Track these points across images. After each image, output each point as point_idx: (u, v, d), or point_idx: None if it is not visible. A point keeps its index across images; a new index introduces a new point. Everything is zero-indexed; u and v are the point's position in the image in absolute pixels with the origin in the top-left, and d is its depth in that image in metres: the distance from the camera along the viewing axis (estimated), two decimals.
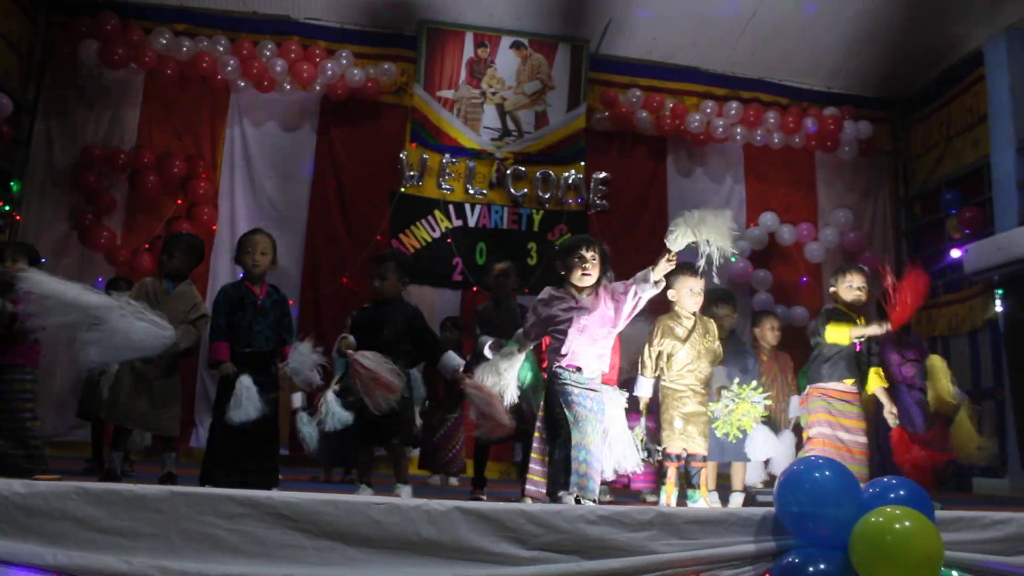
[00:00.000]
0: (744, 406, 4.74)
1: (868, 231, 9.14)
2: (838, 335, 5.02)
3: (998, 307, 7.96)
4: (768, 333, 6.24)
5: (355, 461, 5.62)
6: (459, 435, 6.55)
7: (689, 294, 4.83)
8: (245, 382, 4.37)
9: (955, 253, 8.28)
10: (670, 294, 4.85)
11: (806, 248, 8.77)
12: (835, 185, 9.27)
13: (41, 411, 4.93)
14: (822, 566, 3.18)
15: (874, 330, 4.96)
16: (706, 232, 3.96)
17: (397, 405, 4.57)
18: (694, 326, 4.84)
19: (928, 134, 9.19)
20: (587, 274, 4.06)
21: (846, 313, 5.10)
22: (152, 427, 4.67)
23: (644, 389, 4.81)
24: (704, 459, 4.77)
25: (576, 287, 4.11)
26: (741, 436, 4.93)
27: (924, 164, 9.25)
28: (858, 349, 5.07)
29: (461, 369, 4.60)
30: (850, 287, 5.13)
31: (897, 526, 3.10)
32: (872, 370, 5.14)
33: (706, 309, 5.44)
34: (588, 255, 4.07)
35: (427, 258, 8.14)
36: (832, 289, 5.26)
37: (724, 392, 4.86)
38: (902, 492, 3.36)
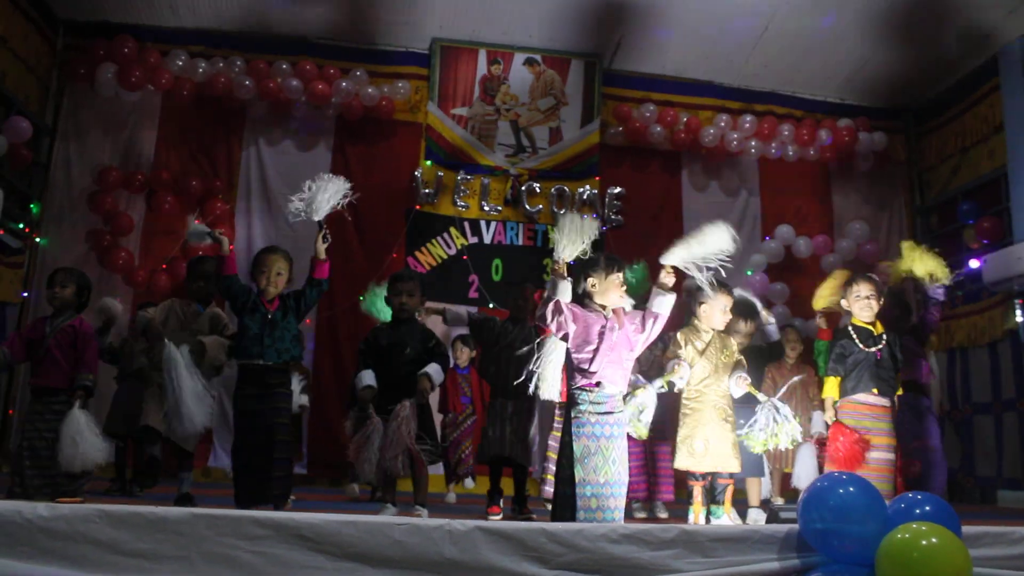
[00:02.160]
0: (786, 427, 4.64)
1: (885, 242, 9.08)
2: (827, 389, 5.06)
3: (1018, 317, 7.89)
4: (788, 347, 6.22)
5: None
6: (468, 441, 6.54)
7: (721, 311, 4.83)
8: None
9: (974, 264, 8.21)
10: (702, 309, 4.84)
11: (823, 260, 8.72)
12: (850, 196, 9.24)
13: None
14: None
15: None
16: (700, 253, 4.05)
17: (419, 424, 4.60)
18: (711, 340, 4.83)
19: (943, 144, 9.15)
20: (624, 296, 4.08)
21: (851, 338, 5.05)
22: (186, 443, 4.72)
23: (686, 375, 4.70)
24: (731, 476, 4.74)
25: (600, 305, 4.10)
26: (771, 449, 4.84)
27: (940, 174, 9.20)
28: (878, 357, 5.00)
29: (429, 375, 4.67)
30: (858, 296, 5.08)
31: (924, 542, 3.07)
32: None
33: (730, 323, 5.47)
34: (617, 279, 4.06)
35: (443, 275, 8.14)
36: (842, 301, 5.22)
37: (763, 409, 4.74)
38: (928, 508, 3.33)
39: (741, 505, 5.34)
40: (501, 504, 5.32)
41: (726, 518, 4.70)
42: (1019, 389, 7.90)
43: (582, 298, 4.17)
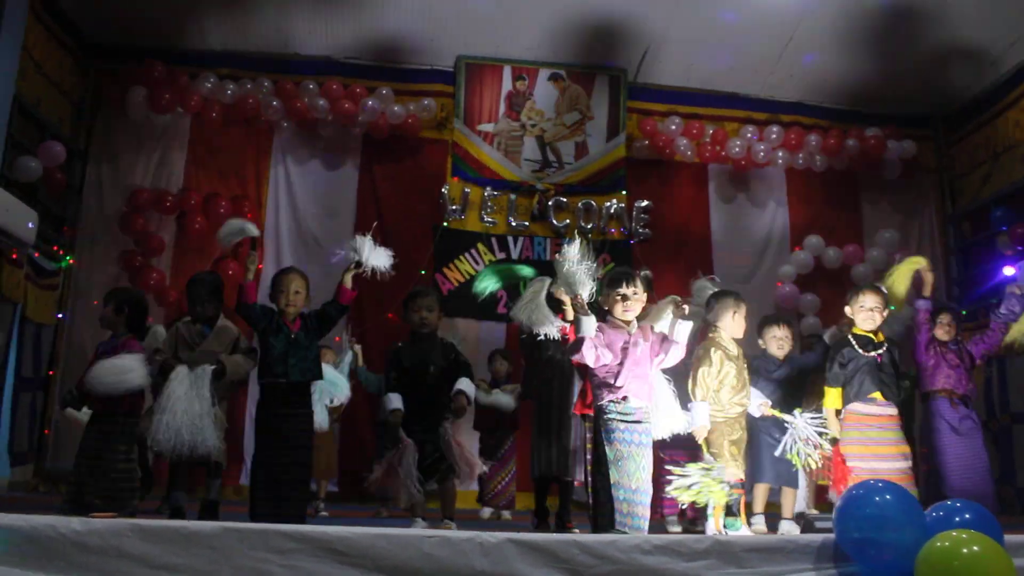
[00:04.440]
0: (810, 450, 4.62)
1: (915, 250, 8.93)
2: (828, 400, 5.03)
3: None
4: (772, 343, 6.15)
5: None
6: (509, 467, 6.51)
7: (732, 319, 4.81)
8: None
9: (1008, 271, 8.06)
10: (723, 322, 4.82)
11: (853, 270, 8.62)
12: (880, 205, 9.13)
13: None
14: None
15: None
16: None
17: (444, 446, 4.61)
18: (739, 353, 4.81)
19: (974, 150, 9.03)
20: (628, 310, 4.10)
21: (851, 346, 5.03)
22: (199, 453, 4.72)
23: (704, 416, 4.60)
24: (741, 484, 4.70)
25: (623, 321, 4.12)
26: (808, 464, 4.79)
27: (971, 181, 9.08)
28: (879, 360, 4.96)
29: (464, 392, 4.69)
30: (862, 307, 5.05)
31: (965, 550, 3.01)
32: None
33: (762, 332, 5.46)
34: (629, 291, 4.10)
35: (471, 291, 8.12)
36: (847, 308, 5.18)
37: (793, 422, 4.73)
38: (967, 515, 3.27)
39: (774, 518, 5.28)
40: (551, 524, 5.30)
41: (745, 529, 4.65)
42: None
43: (603, 315, 4.20)
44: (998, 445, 8.31)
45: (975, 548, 3.00)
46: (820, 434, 4.66)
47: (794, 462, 4.68)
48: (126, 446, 4.53)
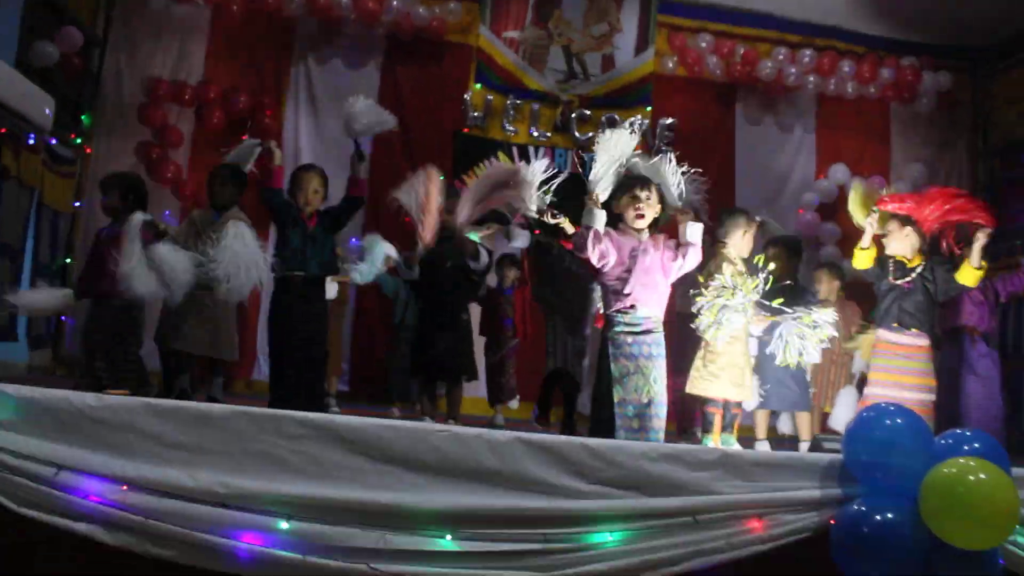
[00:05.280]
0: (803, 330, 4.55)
1: (943, 185, 8.81)
2: (858, 259, 4.97)
3: None
4: (821, 286, 6.10)
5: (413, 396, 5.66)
6: (512, 362, 6.54)
7: (742, 238, 4.79)
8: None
9: None
10: (732, 238, 4.79)
11: None
12: (910, 138, 8.92)
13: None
14: (889, 515, 3.11)
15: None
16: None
17: (460, 342, 4.64)
18: (746, 271, 4.77)
19: (1012, 85, 8.75)
20: (641, 215, 4.04)
21: (887, 267, 4.97)
22: (209, 351, 4.77)
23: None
24: (739, 404, 4.71)
25: (633, 229, 4.07)
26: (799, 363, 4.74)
27: (1007, 117, 8.83)
28: (907, 288, 4.89)
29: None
30: (891, 231, 5.00)
31: (971, 478, 3.02)
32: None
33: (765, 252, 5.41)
34: (642, 195, 4.03)
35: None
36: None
37: (781, 318, 4.66)
38: (976, 444, 3.26)
39: (779, 443, 5.33)
40: (550, 420, 5.36)
41: (738, 446, 4.70)
42: None
43: (616, 222, 4.15)
44: (1009, 388, 8.30)
45: (981, 476, 3.01)
46: (815, 327, 4.56)
47: (786, 362, 4.62)
48: (135, 336, 4.58)
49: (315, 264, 4.59)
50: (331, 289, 6.29)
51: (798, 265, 5.61)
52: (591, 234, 3.97)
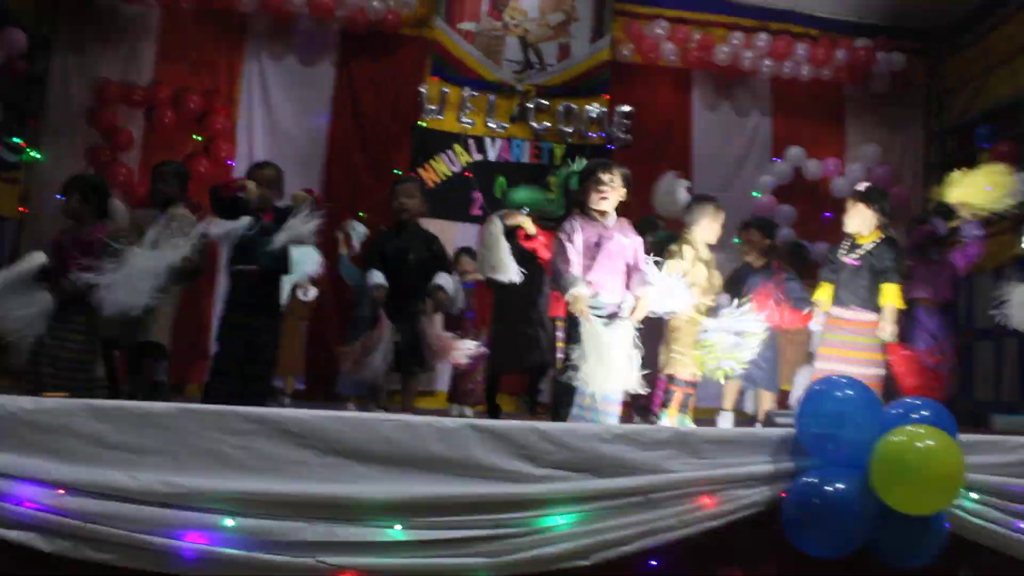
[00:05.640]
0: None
1: (898, 165, 8.89)
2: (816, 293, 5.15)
3: None
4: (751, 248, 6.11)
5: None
6: (480, 367, 6.51)
7: (708, 226, 4.81)
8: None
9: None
10: (699, 225, 4.81)
11: (832, 183, 8.54)
12: (865, 119, 8.99)
13: None
14: (840, 485, 3.12)
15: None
16: None
17: (416, 335, 4.60)
18: (710, 257, 4.82)
19: (965, 66, 8.84)
20: (604, 198, 4.06)
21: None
22: (142, 336, 4.71)
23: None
24: (695, 385, 4.74)
25: (598, 212, 4.07)
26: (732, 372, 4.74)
27: (959, 97, 8.92)
28: (854, 265, 4.95)
29: (442, 287, 4.77)
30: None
31: (919, 444, 3.03)
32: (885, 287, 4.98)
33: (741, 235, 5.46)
34: (605, 178, 4.04)
35: (446, 192, 8.03)
36: None
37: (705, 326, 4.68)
38: (925, 412, 3.27)
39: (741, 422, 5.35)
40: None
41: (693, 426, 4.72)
42: None
43: (581, 207, 4.15)
44: (960, 360, 8.39)
45: (929, 443, 3.02)
46: (741, 333, 4.59)
47: (706, 371, 4.65)
48: (82, 337, 4.49)
49: (267, 259, 4.54)
50: (311, 292, 6.28)
51: (773, 246, 5.71)
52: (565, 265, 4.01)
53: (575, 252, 3.99)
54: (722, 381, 4.77)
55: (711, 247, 4.92)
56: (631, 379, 3.89)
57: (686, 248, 4.72)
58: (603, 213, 4.08)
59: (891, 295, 4.89)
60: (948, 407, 5.00)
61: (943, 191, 5.88)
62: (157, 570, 2.86)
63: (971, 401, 8.18)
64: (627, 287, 4.10)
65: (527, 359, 5.20)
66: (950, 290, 6.04)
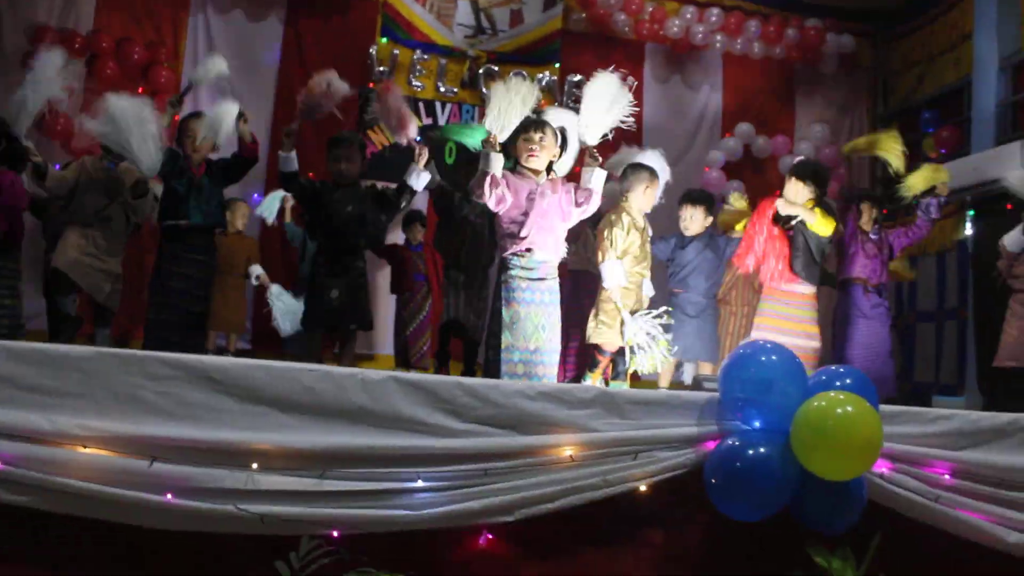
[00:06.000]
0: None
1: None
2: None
3: (968, 229, 7.91)
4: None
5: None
6: (429, 332, 6.51)
7: (643, 193, 4.82)
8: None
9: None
10: (634, 193, 4.83)
11: (780, 160, 8.63)
12: (814, 99, 9.10)
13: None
14: (762, 449, 3.16)
15: None
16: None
17: (355, 290, 4.56)
18: (644, 226, 4.83)
19: (911, 51, 8.99)
20: (533, 155, 4.05)
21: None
22: (98, 293, 4.63)
23: (618, 275, 4.60)
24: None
25: (530, 170, 4.05)
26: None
27: (905, 82, 9.08)
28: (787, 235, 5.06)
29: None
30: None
31: (839, 411, 3.07)
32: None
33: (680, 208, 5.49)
34: (535, 136, 4.04)
35: (395, 156, 7.91)
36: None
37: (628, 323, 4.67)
38: (848, 380, 3.33)
39: None
40: (449, 372, 5.33)
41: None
42: (962, 299, 7.97)
43: (514, 166, 4.15)
44: (902, 342, 8.59)
45: (848, 409, 3.07)
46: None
47: (635, 366, 4.64)
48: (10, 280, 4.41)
49: (199, 214, 4.47)
50: (255, 270, 6.19)
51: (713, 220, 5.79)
52: (488, 178, 3.94)
53: (495, 188, 3.96)
54: (658, 370, 4.76)
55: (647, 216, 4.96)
56: (555, 341, 3.91)
57: (624, 216, 4.73)
58: (535, 172, 4.07)
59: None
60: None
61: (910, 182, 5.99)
62: (73, 513, 2.81)
63: (911, 382, 8.39)
64: (560, 246, 4.10)
65: (471, 326, 5.19)
66: (885, 272, 6.16)
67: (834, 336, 5.97)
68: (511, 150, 4.13)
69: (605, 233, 4.68)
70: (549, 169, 4.16)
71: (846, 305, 5.91)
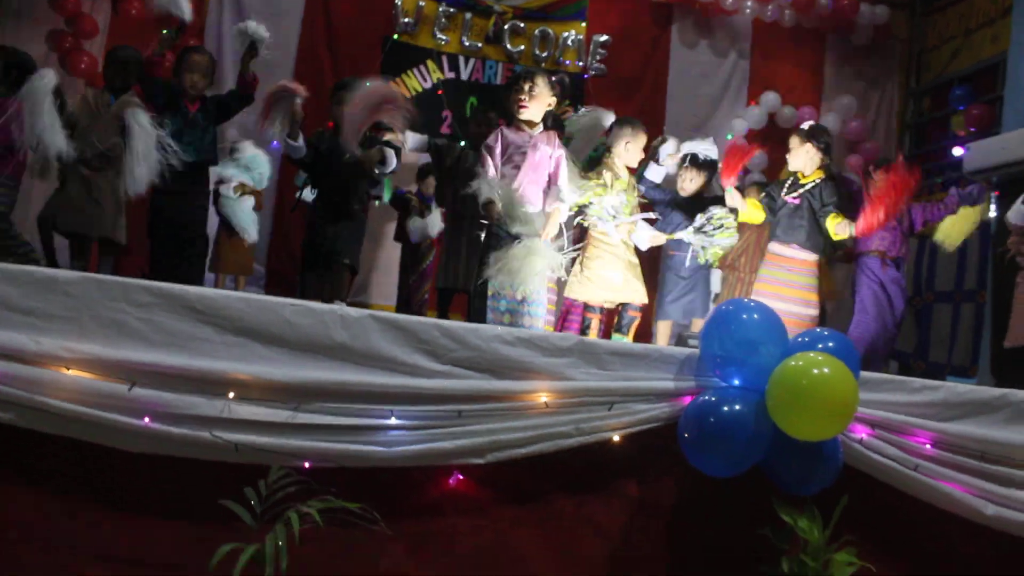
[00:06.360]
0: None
1: (872, 120, 8.85)
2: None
3: (992, 210, 7.76)
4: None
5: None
6: (429, 283, 6.53)
7: (624, 148, 4.81)
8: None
9: (957, 151, 8.03)
10: (617, 148, 4.83)
11: None
12: (844, 70, 8.90)
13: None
14: (736, 406, 3.16)
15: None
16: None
17: (350, 231, 4.58)
18: (630, 182, 4.84)
19: (947, 24, 8.77)
20: (523, 106, 4.07)
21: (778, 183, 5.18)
22: (105, 231, 4.65)
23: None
24: (640, 309, 4.77)
25: (525, 123, 4.07)
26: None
27: (939, 56, 8.87)
28: (794, 203, 4.99)
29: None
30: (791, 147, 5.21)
31: (815, 371, 3.06)
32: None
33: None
34: (525, 87, 4.04)
35: (416, 108, 7.92)
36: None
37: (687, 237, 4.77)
38: (830, 343, 3.31)
39: None
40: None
41: None
42: (981, 280, 7.84)
43: (510, 120, 4.18)
44: (918, 321, 8.49)
45: (825, 370, 3.06)
46: (719, 228, 4.68)
47: (712, 260, 4.91)
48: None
49: (192, 150, 4.50)
50: (252, 232, 6.21)
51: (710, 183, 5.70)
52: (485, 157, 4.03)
53: (493, 164, 4.00)
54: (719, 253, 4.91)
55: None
56: (542, 292, 3.92)
57: (606, 172, 4.74)
58: (529, 123, 4.09)
59: (832, 224, 4.95)
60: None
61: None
62: (54, 432, 2.89)
63: (925, 361, 8.30)
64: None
65: (467, 280, 5.19)
66: (905, 245, 6.07)
67: (849, 308, 5.91)
68: (507, 101, 4.16)
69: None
70: (546, 121, 4.15)
71: (862, 274, 5.85)
